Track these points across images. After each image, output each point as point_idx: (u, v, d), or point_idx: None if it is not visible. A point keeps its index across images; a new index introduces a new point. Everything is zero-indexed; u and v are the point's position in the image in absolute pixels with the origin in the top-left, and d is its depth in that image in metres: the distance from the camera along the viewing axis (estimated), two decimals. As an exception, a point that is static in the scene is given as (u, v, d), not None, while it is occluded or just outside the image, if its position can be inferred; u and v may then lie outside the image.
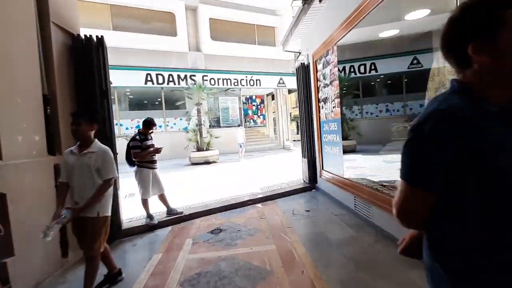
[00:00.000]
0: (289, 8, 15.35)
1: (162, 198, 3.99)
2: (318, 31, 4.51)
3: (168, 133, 12.30)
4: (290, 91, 17.21)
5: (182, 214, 4.01)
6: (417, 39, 7.27)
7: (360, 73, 10.82)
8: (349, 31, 3.39)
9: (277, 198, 4.81)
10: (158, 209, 4.09)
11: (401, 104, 11.05)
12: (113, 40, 10.72)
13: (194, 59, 12.39)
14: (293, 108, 28.63)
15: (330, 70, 4.07)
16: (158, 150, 3.79)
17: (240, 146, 10.58)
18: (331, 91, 4.12)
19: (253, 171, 7.58)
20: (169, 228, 3.76)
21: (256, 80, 13.92)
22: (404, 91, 11.04)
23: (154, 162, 3.83)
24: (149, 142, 3.80)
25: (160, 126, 12.26)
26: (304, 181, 5.56)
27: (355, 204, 3.57)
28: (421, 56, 9.63)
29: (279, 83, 14.55)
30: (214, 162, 10.34)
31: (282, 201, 4.67)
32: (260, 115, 19.62)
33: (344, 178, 3.86)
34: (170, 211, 4.02)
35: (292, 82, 14.86)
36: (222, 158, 11.44)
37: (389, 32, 6.13)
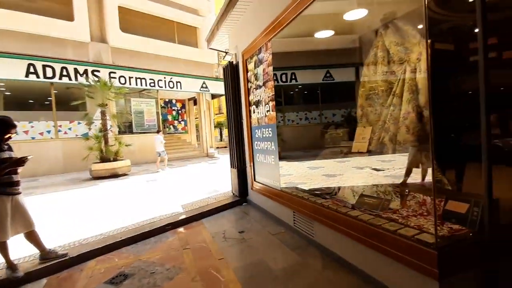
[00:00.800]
0: (213, 9, 14.83)
1: (31, 237, 2.70)
2: (248, 25, 4.05)
3: (60, 140, 9.78)
4: (213, 97, 16.56)
5: (67, 257, 2.80)
6: (329, 54, 7.81)
7: (282, 81, 11.06)
8: (285, 25, 3.01)
9: (204, 217, 4.04)
10: (27, 251, 2.77)
11: (318, 112, 11.88)
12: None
13: (97, 51, 10.33)
14: (216, 114, 28.08)
15: (264, 69, 3.63)
16: (20, 162, 2.49)
17: (159, 155, 9.22)
18: (264, 93, 3.68)
19: (174, 184, 6.54)
20: (44, 281, 2.54)
21: (177, 82, 12.72)
22: (319, 101, 11.89)
23: (14, 184, 2.54)
24: (4, 155, 2.49)
25: (49, 132, 9.64)
26: (233, 194, 4.96)
27: (294, 220, 3.16)
28: (332, 70, 10.55)
29: (202, 87, 13.72)
30: (125, 174, 8.68)
31: (209, 221, 3.93)
32: (181, 120, 18.28)
33: (281, 190, 3.44)
34: (45, 255, 2.75)
35: (215, 87, 14.28)
36: (136, 169, 9.78)
37: (304, 45, 6.18)
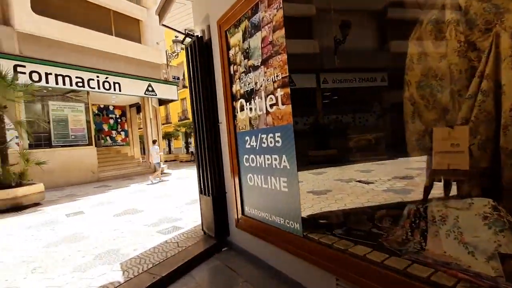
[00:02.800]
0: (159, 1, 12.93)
1: None
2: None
3: None
4: (161, 103, 14.41)
5: None
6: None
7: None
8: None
9: (157, 285, 2.36)
10: None
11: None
12: None
13: (-4, 36, 7.55)
14: (163, 124, 25.34)
15: (264, 38, 2.24)
16: None
17: (160, 166, 9.30)
18: (265, 78, 2.28)
19: (108, 219, 4.54)
20: None
21: (114, 83, 10.38)
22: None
23: None
24: None
25: None
26: (205, 232, 3.35)
27: (338, 293, 1.77)
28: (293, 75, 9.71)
29: (147, 90, 11.57)
30: (36, 204, 6.16)
31: (172, 294, 2.28)
32: (121, 131, 15.55)
33: (304, 237, 2.03)
34: None
35: (164, 91, 12.28)
36: (55, 196, 7.20)
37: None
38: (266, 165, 2.36)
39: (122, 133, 15.43)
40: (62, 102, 9.59)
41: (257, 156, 2.47)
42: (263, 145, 2.38)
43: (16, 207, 5.78)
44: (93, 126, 10.50)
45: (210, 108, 3.13)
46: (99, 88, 9.87)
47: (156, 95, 11.98)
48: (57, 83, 8.79)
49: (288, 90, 2.08)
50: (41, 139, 8.82)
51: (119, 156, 13.31)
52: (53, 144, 9.12)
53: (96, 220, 4.47)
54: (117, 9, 11.07)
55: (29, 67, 8.20)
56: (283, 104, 2.12)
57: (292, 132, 2.06)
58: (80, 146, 9.81)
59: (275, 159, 2.25)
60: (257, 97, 2.41)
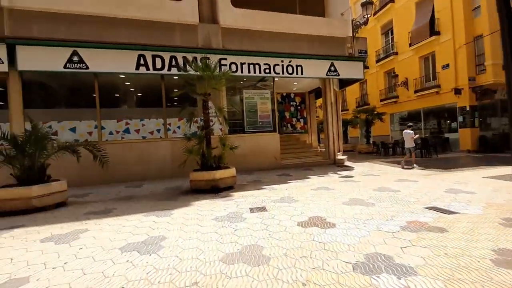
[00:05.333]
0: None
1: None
2: None
3: (169, 140, 8.69)
4: (343, 85, 12.71)
5: None
6: None
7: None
8: None
9: None
10: None
11: None
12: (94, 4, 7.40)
13: (206, 35, 8.71)
14: (343, 112, 23.58)
15: None
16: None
17: (409, 151, 9.32)
18: None
19: (290, 233, 3.38)
20: None
21: (297, 66, 9.76)
22: None
23: None
24: None
25: (159, 131, 8.71)
26: None
27: None
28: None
29: (329, 70, 10.19)
30: (229, 188, 6.35)
31: None
32: (300, 118, 15.38)
33: None
34: None
35: (348, 70, 10.42)
36: (246, 179, 7.39)
37: None
38: None
39: (301, 120, 15.28)
40: (253, 90, 10.13)
41: None
42: None
43: (214, 189, 6.10)
44: (277, 114, 10.55)
45: None
46: (283, 73, 9.58)
47: (338, 75, 10.37)
48: (249, 72, 9.20)
49: None
50: (235, 125, 9.69)
51: (298, 144, 13.10)
52: (245, 130, 9.82)
53: (278, 228, 3.43)
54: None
55: (229, 59, 8.98)
56: None
57: None
58: (266, 132, 10.07)
59: None
60: None
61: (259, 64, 9.36)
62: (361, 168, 9.38)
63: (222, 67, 8.66)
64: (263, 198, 5.18)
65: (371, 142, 17.99)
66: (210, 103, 6.98)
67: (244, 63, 9.18)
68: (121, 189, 6.94)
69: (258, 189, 6.15)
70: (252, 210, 4.35)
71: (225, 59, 8.96)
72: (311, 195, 5.32)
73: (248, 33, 9.08)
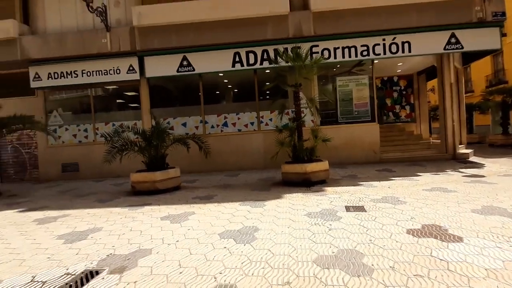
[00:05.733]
0: None
1: None
2: None
3: (262, 133, 8.99)
4: (468, 59, 10.15)
5: None
6: None
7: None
8: None
9: None
10: None
11: None
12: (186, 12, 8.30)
13: (297, 23, 8.41)
14: (466, 94, 19.17)
15: None
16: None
17: None
18: None
19: (398, 241, 2.85)
20: None
21: (403, 43, 8.31)
22: None
23: None
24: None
25: (252, 123, 9.12)
26: None
27: None
28: None
29: (448, 43, 8.23)
30: (321, 182, 6.05)
31: None
32: (406, 104, 13.29)
33: None
34: None
35: (476, 40, 8.19)
36: (338, 174, 6.91)
37: None
38: None
39: (407, 107, 13.11)
40: (347, 77, 9.28)
41: None
42: None
43: (306, 182, 5.93)
44: (376, 101, 9.34)
45: None
46: (384, 53, 8.33)
47: (461, 47, 8.23)
48: (343, 57, 8.44)
49: None
50: (328, 116, 9.13)
51: (403, 135, 11.29)
52: (338, 121, 9.14)
53: (380, 233, 2.97)
54: None
55: (321, 45, 8.47)
56: None
57: None
58: (362, 122, 9.10)
59: None
60: None
61: (355, 47, 8.45)
62: (495, 166, 7.27)
63: (314, 55, 8.25)
64: (360, 196, 4.66)
65: (511, 132, 13.78)
66: (301, 94, 6.77)
67: (338, 48, 8.47)
68: (220, 178, 7.67)
69: (354, 185, 5.60)
70: (348, 208, 3.97)
71: (317, 45, 8.50)
72: (423, 196, 4.43)
73: (342, 13, 8.26)
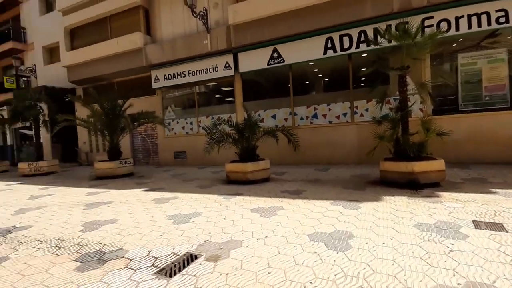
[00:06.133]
0: None
1: None
2: None
3: (355, 124, 8.16)
4: None
5: None
6: None
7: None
8: None
9: None
10: None
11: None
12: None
13: (404, -7, 7.05)
14: None
15: None
16: None
17: None
18: None
19: None
20: None
21: None
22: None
23: None
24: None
25: (345, 115, 8.37)
26: None
27: None
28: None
29: None
30: (434, 185, 4.99)
31: None
32: None
33: None
34: None
35: None
36: (457, 176, 5.56)
37: None
38: None
39: None
40: (474, 52, 7.26)
41: None
42: None
43: (413, 183, 5.00)
44: (519, 81, 6.98)
45: None
46: (538, 14, 6.07)
47: None
48: (469, 27, 6.62)
49: None
50: (445, 103, 7.42)
51: None
52: (459, 109, 7.32)
53: (538, 268, 2.12)
54: None
55: (437, 16, 6.88)
56: None
57: None
58: (496, 110, 7.00)
59: None
60: None
61: (487, 13, 6.49)
62: None
63: (425, 29, 6.80)
64: (496, 209, 3.55)
65: None
66: (408, 79, 5.70)
67: (461, 16, 6.70)
68: (309, 171, 7.41)
69: (484, 193, 4.34)
70: (477, 224, 3.07)
71: (431, 17, 6.97)
72: None
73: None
